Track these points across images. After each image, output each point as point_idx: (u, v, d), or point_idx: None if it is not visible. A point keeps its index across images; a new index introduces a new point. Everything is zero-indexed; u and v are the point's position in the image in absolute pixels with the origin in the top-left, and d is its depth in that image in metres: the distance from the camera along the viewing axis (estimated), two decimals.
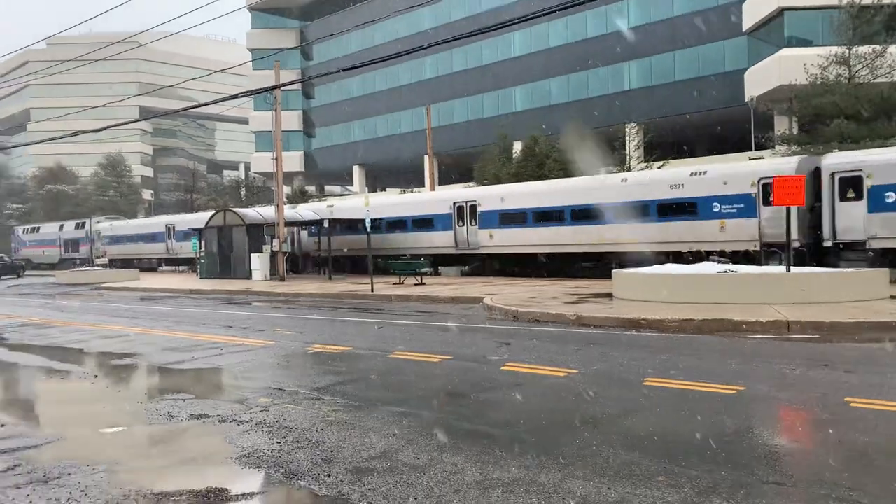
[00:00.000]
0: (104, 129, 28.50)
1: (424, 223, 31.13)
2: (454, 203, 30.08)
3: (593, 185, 26.07)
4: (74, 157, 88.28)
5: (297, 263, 37.03)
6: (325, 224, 31.32)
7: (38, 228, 63.97)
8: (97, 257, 52.64)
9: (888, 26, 27.90)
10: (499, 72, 52.55)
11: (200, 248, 37.43)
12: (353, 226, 31.49)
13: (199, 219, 39.71)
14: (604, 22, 46.29)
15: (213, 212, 39.17)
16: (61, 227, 60.08)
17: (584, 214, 25.14)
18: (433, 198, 33.31)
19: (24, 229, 66.60)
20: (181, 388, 8.58)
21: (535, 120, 45.18)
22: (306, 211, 36.99)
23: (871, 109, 26.99)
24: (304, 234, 37.87)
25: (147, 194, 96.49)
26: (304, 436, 6.05)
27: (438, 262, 30.66)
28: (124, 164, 78.78)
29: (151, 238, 47.29)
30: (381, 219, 31.26)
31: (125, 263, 48.68)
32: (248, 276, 32.79)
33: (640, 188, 24.12)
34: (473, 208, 29.14)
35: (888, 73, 27.26)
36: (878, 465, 4.98)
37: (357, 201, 36.58)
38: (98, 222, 54.29)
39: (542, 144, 36.30)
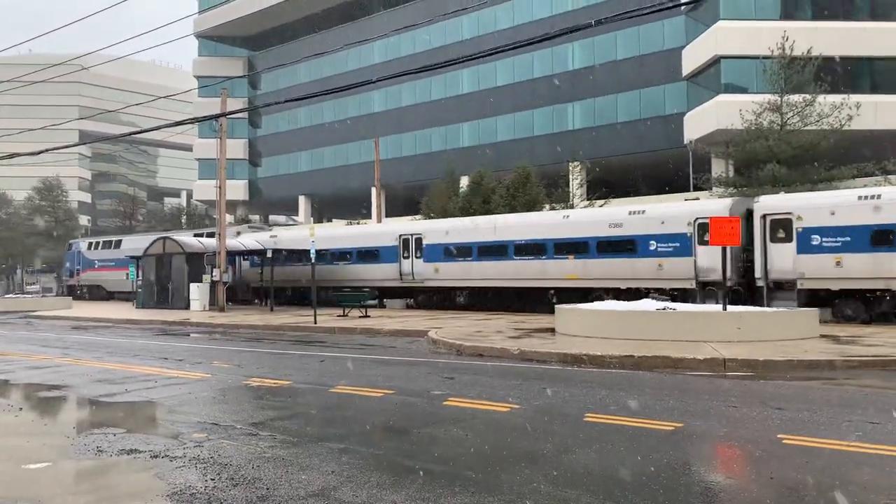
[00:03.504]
0: (42, 151, 27.62)
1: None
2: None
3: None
4: (8, 181, 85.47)
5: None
6: (269, 254, 30.94)
7: (119, 242, 47.82)
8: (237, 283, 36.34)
9: (817, 77, 29.32)
10: (447, 108, 53.18)
11: (138, 276, 36.51)
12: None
13: (457, 226, 29.06)
14: (549, 63, 47.42)
15: (153, 239, 38.25)
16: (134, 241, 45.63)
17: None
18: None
19: (90, 244, 50.69)
20: (112, 422, 8.26)
21: (481, 156, 45.76)
22: (249, 240, 36.46)
23: (801, 155, 28.24)
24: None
25: (84, 220, 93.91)
26: (239, 472, 5.87)
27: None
28: (61, 188, 76.43)
29: (368, 256, 31.33)
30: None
31: (298, 296, 33.05)
32: (187, 306, 32.06)
33: None
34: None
35: (817, 121, 28.59)
36: (809, 500, 5.10)
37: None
38: (239, 233, 38.53)
39: (489, 180, 36.74)
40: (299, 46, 60.35)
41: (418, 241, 29.19)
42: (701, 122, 36.64)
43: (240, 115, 62.90)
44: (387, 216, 47.69)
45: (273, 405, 9.18)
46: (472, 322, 21.36)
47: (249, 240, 36.49)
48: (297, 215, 66.48)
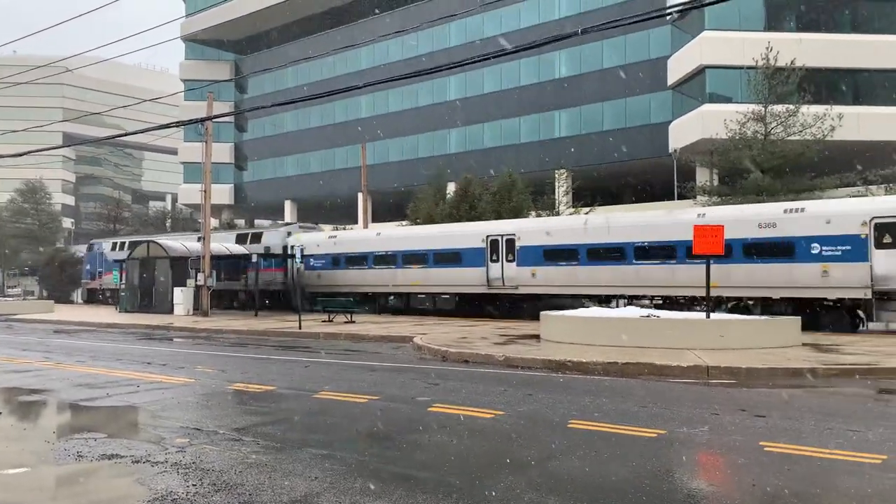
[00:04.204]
0: (26, 153, 27.42)
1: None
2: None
3: None
4: None
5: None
6: (253, 259, 30.87)
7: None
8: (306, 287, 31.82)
9: (800, 88, 29.64)
10: (434, 114, 53.25)
11: (121, 280, 36.26)
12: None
13: (565, 225, 26.19)
14: (536, 71, 47.64)
15: (139, 242, 37.94)
16: (202, 240, 37.13)
17: None
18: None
19: (114, 244, 44.82)
20: (93, 427, 8.19)
21: (469, 162, 45.87)
22: (235, 247, 36.25)
23: (785, 165, 28.54)
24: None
25: (68, 223, 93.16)
26: (221, 478, 5.84)
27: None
28: (44, 191, 75.64)
29: (448, 259, 27.65)
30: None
31: (358, 302, 28.30)
32: (171, 310, 31.87)
33: None
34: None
35: (800, 131, 28.90)
36: None
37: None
38: (290, 234, 34.98)
39: (475, 186, 36.79)
40: (287, 51, 60.30)
41: (510, 242, 25.91)
42: (686, 131, 36.91)
43: (226, 118, 62.68)
44: (373, 221, 47.64)
45: (256, 411, 9.13)
46: (457, 328, 21.36)
47: (273, 239, 34.60)
48: (282, 219, 66.30)
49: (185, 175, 69.28)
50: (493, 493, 5.40)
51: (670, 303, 22.01)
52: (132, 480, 5.86)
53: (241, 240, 37.01)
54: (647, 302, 22.37)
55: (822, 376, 11.65)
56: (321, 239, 32.91)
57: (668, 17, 36.03)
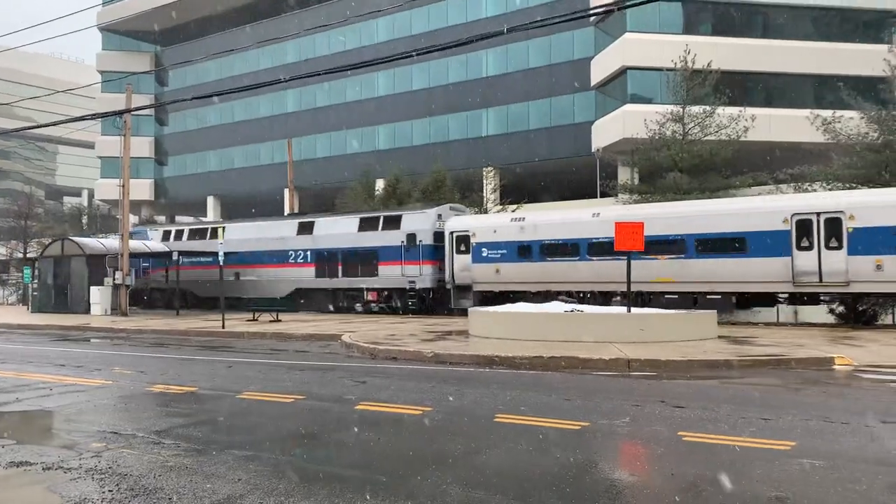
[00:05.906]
0: None
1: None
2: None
3: None
4: None
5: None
6: (175, 256, 30.03)
7: (216, 231, 32.37)
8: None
9: (716, 89, 30.74)
10: (363, 110, 52.88)
11: (33, 279, 34.72)
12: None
13: None
14: (464, 69, 47.90)
15: (50, 241, 36.34)
16: (305, 226, 31.65)
17: None
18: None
19: (166, 233, 36.53)
20: (0, 434, 7.79)
21: (397, 159, 45.72)
22: (156, 244, 35.12)
23: (702, 164, 29.57)
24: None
25: None
26: (139, 483, 5.64)
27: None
28: None
29: (721, 246, 21.26)
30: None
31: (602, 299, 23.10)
32: (87, 310, 30.71)
33: None
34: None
35: (716, 131, 29.98)
36: (706, 494, 5.33)
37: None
38: (442, 218, 28.08)
39: (404, 183, 36.74)
40: (210, 43, 58.69)
41: (833, 222, 19.52)
42: (608, 130, 37.76)
43: (146, 111, 60.65)
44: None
45: (178, 412, 8.87)
46: (385, 325, 21.30)
47: (419, 223, 28.07)
48: (205, 216, 64.68)
49: (102, 170, 66.64)
50: (421, 489, 5.40)
51: None
52: (43, 488, 5.61)
53: (367, 225, 29.67)
54: None
55: (737, 367, 12.15)
56: (500, 223, 26.10)
57: (591, 19, 36.79)
